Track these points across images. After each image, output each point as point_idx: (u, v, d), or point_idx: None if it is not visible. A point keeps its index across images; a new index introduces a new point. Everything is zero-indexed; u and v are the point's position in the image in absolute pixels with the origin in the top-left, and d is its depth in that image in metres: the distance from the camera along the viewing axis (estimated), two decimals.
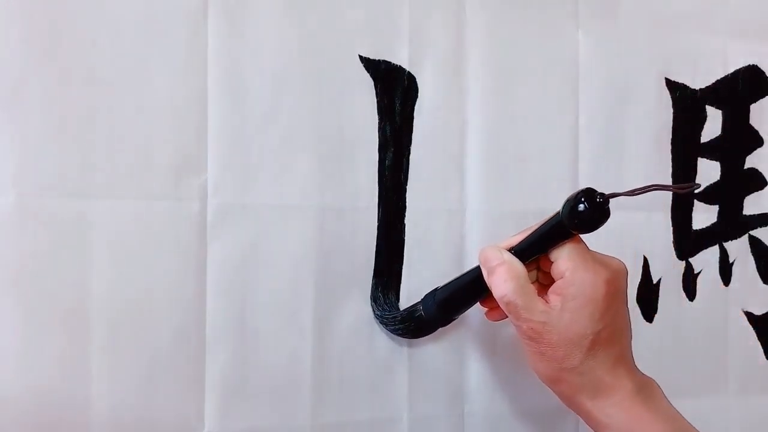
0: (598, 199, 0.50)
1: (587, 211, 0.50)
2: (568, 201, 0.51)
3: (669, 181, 0.73)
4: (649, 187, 0.51)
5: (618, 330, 0.54)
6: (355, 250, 0.63)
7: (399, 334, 0.63)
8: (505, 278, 0.53)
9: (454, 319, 0.61)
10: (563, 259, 0.53)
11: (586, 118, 0.70)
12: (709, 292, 0.75)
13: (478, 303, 0.60)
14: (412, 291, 0.64)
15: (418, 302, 0.61)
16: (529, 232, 0.55)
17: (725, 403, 0.76)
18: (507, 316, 0.57)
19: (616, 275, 0.54)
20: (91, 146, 0.55)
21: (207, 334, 0.58)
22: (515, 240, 0.55)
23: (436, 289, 0.60)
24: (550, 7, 0.69)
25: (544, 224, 0.54)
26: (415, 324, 0.61)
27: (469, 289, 0.58)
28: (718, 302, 0.76)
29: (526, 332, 0.53)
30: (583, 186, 0.52)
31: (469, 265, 0.66)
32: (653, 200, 0.72)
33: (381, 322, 0.63)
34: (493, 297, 0.55)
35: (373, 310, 0.63)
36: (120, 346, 0.56)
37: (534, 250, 0.55)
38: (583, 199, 0.50)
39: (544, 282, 0.57)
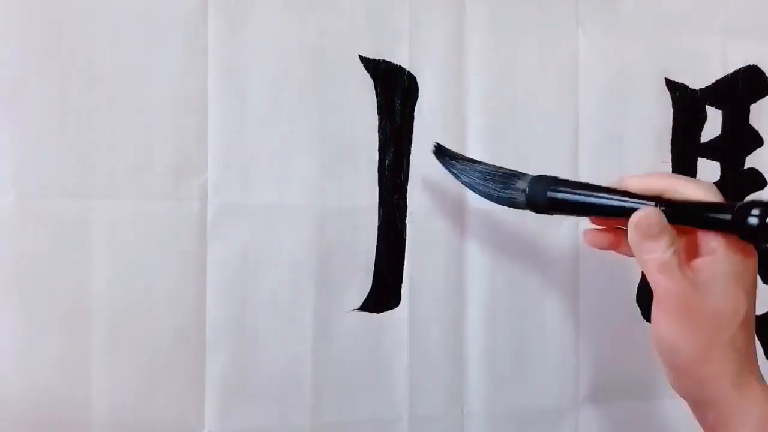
0: None
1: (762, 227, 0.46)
2: (740, 208, 0.47)
3: None
4: None
5: (752, 317, 0.50)
6: (355, 250, 0.63)
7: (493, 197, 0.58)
8: (665, 248, 0.49)
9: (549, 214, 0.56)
10: (714, 234, 0.49)
11: (586, 118, 0.70)
12: None
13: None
14: (412, 291, 0.64)
15: (525, 178, 0.56)
16: (678, 193, 0.50)
17: None
18: (611, 246, 0.54)
19: (756, 262, 0.50)
20: (91, 146, 0.55)
21: (207, 334, 0.58)
22: (656, 185, 0.51)
23: (552, 180, 0.55)
24: (550, 7, 0.69)
25: (708, 208, 0.49)
26: (512, 195, 0.56)
27: (595, 206, 0.53)
28: None
29: (677, 296, 0.49)
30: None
31: (470, 266, 0.66)
32: None
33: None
34: (613, 221, 0.52)
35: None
36: (120, 346, 0.56)
37: (691, 224, 0.50)
38: (757, 213, 0.46)
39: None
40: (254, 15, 0.59)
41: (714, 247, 0.49)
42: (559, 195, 0.54)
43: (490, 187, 0.58)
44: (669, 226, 0.49)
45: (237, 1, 0.59)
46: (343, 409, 0.62)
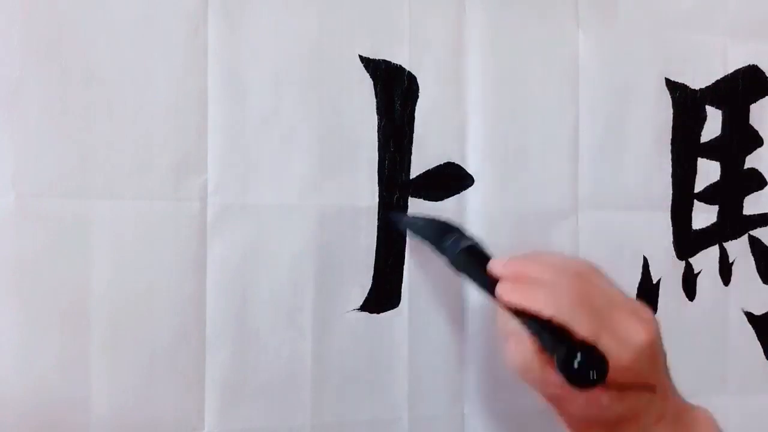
0: (591, 376, 0.45)
1: (579, 371, 0.45)
2: (562, 347, 0.47)
3: (669, 181, 0.73)
4: None
5: (643, 402, 0.51)
6: (355, 250, 0.63)
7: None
8: (514, 352, 0.51)
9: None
10: None
11: (586, 118, 0.70)
12: (709, 292, 0.75)
13: None
14: (412, 291, 0.64)
15: (457, 239, 0.58)
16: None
17: (725, 403, 0.76)
18: None
19: (629, 354, 0.49)
20: (90, 146, 0.55)
21: (207, 334, 0.58)
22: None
23: (469, 246, 0.57)
24: (550, 7, 0.69)
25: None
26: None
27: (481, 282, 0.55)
28: (718, 302, 0.76)
29: (545, 398, 0.52)
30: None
31: None
32: (653, 200, 0.73)
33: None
34: None
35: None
36: (120, 346, 0.56)
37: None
38: (581, 357, 0.45)
39: None
40: (254, 15, 0.59)
41: None
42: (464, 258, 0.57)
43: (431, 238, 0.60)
44: (518, 336, 0.50)
45: (237, 1, 0.59)
46: (343, 409, 0.62)
